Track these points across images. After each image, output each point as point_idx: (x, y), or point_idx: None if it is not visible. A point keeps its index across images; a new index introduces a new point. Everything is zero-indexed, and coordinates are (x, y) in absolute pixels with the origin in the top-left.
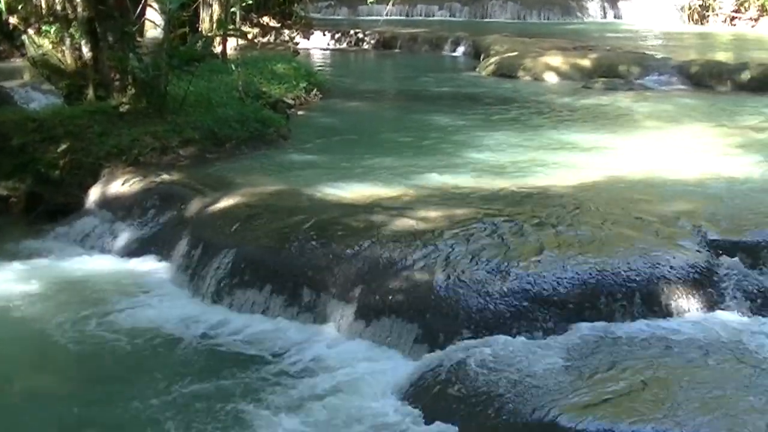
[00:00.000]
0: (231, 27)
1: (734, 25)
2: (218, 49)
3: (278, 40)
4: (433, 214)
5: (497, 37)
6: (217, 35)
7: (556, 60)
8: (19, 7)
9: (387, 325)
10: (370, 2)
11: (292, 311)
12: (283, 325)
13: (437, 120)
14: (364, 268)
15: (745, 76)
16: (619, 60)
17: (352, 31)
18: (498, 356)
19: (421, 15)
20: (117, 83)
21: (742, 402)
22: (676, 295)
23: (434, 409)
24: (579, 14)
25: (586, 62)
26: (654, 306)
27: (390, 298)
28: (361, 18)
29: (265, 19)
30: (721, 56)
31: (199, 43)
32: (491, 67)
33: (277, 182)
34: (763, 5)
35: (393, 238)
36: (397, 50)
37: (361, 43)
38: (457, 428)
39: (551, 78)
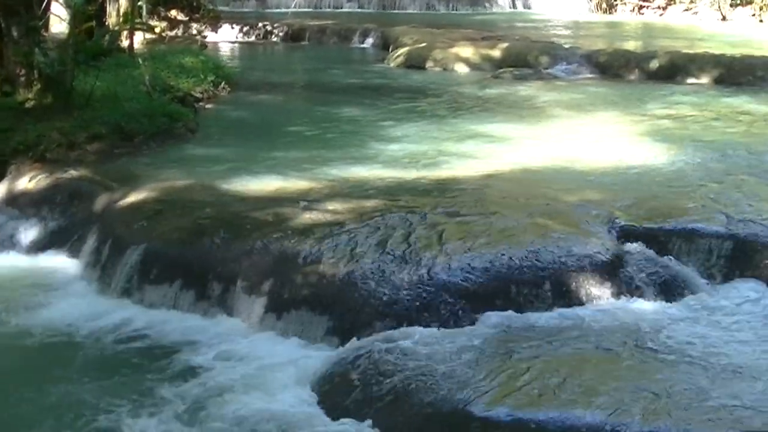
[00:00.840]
0: (138, 21)
1: (642, 14)
2: (125, 43)
3: (186, 34)
4: (341, 206)
5: (406, 28)
6: (123, 29)
7: (465, 50)
8: None
9: (297, 318)
10: None
11: (201, 306)
12: (193, 320)
13: (346, 112)
14: (273, 262)
15: (653, 64)
16: (527, 50)
17: (260, 24)
18: (408, 347)
19: (329, 7)
20: (22, 79)
21: (648, 386)
22: (586, 283)
23: (344, 402)
24: (488, 4)
25: (495, 52)
26: (564, 294)
27: (299, 291)
28: (270, 10)
29: (173, 13)
30: (630, 45)
31: (106, 38)
32: (400, 59)
33: (186, 176)
34: None
35: (302, 231)
36: (305, 42)
37: (269, 36)
38: (367, 421)
39: (460, 68)
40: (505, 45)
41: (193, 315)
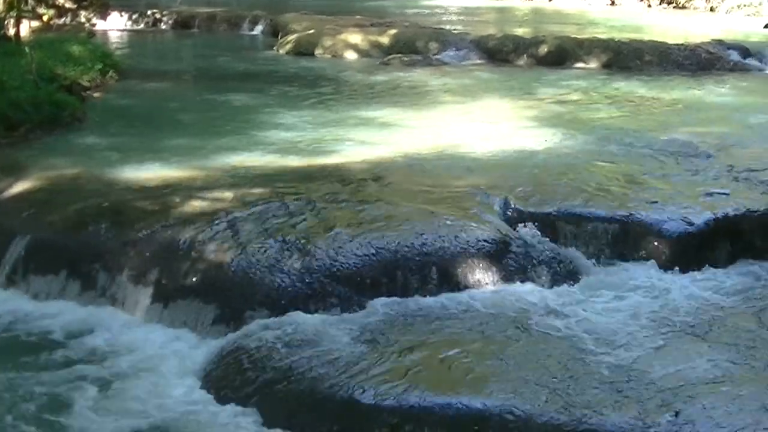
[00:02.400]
0: (25, 9)
1: None
2: (12, 31)
3: (74, 22)
4: (228, 194)
5: (295, 15)
6: (10, 17)
7: (354, 37)
8: None
9: (184, 307)
10: None
11: (88, 296)
12: (79, 310)
13: (235, 99)
14: (159, 251)
15: (542, 49)
16: (417, 36)
17: (149, 12)
18: (295, 334)
19: None
20: None
21: (534, 370)
22: (474, 268)
23: (231, 391)
24: None
25: (384, 39)
26: (451, 279)
27: (186, 279)
28: None
29: (61, 0)
30: (519, 30)
31: None
32: (289, 46)
33: (72, 166)
34: None
35: (188, 220)
36: (195, 30)
37: (158, 24)
38: (254, 409)
39: (350, 55)
40: (394, 31)
41: (79, 305)
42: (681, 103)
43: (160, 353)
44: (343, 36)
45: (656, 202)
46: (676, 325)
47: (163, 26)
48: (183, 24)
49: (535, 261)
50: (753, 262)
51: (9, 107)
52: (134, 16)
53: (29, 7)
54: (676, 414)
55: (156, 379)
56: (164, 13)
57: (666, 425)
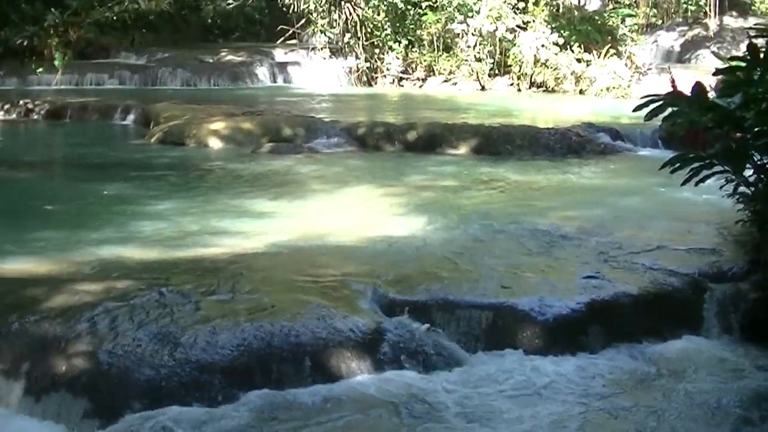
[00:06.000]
0: None
1: (402, 86)
2: None
3: None
4: (100, 286)
5: (167, 104)
6: None
7: (223, 126)
8: None
9: (56, 400)
10: (39, 72)
11: None
12: None
13: (105, 190)
14: (31, 343)
15: (412, 135)
16: (286, 123)
17: (21, 102)
18: (168, 427)
19: (91, 84)
20: None
21: None
22: (348, 358)
23: None
24: (248, 80)
25: (254, 127)
26: (325, 370)
27: (58, 373)
28: (31, 88)
29: None
30: (390, 117)
31: None
32: (160, 135)
33: None
34: (429, 65)
35: (60, 312)
36: (67, 120)
37: (30, 114)
38: None
39: (219, 144)
40: (264, 119)
41: None
42: (551, 187)
43: None
44: (213, 125)
45: (529, 287)
46: (540, 412)
47: (35, 116)
48: (55, 114)
49: (408, 349)
50: (626, 345)
51: None
52: (6, 107)
53: None
54: None
55: None
56: (36, 103)
57: None
